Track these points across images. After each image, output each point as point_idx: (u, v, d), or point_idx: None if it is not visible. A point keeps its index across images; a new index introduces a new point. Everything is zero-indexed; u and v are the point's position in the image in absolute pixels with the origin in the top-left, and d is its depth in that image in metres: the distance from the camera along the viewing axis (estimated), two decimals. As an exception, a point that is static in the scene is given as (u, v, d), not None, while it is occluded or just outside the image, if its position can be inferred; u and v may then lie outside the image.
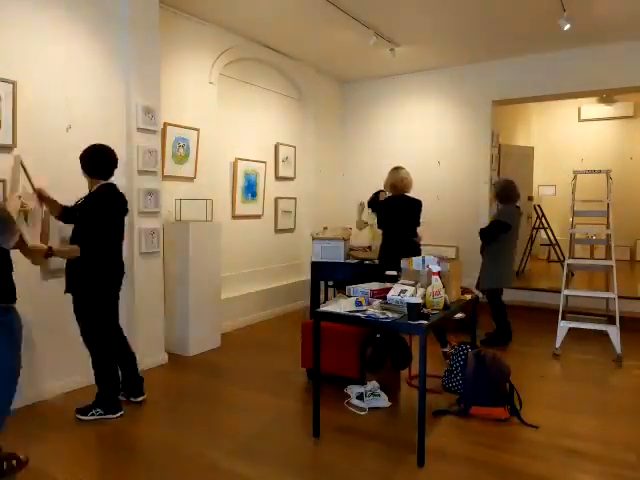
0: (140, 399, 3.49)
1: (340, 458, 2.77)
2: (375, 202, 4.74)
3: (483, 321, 4.74)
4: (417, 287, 2.99)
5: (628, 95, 8.81)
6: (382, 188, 4.71)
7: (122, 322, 4.01)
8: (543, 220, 8.32)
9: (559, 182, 9.12)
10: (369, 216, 5.12)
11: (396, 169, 4.61)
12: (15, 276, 2.60)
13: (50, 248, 3.01)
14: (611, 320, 4.64)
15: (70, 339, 3.42)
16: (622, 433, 3.08)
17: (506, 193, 4.92)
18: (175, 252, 4.57)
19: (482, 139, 6.61)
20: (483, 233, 4.90)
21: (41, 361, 3.51)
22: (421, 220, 4.58)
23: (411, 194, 4.60)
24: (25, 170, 3.21)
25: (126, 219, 4.08)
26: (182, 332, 4.58)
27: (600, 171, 5.08)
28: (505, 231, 4.77)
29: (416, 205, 4.54)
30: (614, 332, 4.48)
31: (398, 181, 4.53)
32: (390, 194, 4.61)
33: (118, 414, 3.28)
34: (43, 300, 3.50)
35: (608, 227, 4.95)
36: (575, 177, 5.11)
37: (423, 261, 3.16)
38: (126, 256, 4.09)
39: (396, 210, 4.53)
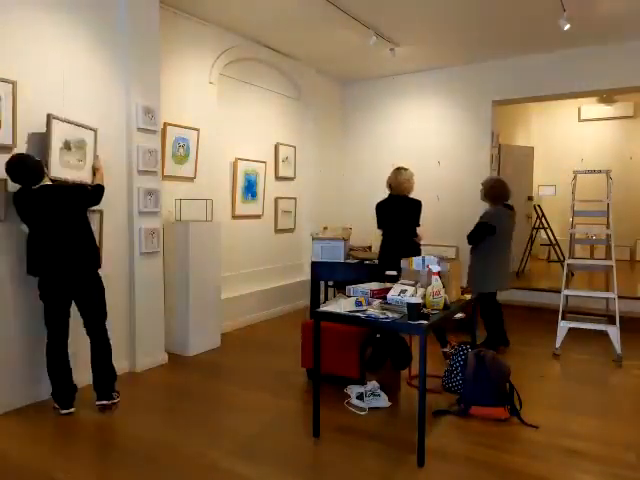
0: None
1: (340, 458, 2.77)
2: None
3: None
4: (417, 287, 2.99)
5: (628, 95, 8.81)
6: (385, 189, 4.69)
7: (122, 322, 4.01)
8: (543, 220, 8.31)
9: (559, 182, 9.10)
10: None
11: (399, 170, 4.59)
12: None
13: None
14: (611, 320, 4.64)
15: (71, 340, 3.42)
16: (622, 433, 3.08)
17: (494, 193, 4.70)
18: (175, 252, 4.57)
19: (482, 139, 6.61)
20: (469, 236, 4.67)
21: (41, 361, 3.51)
22: (420, 222, 4.57)
23: (411, 194, 4.60)
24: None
25: (126, 219, 4.11)
26: (182, 332, 4.58)
27: (600, 171, 5.07)
28: (490, 233, 4.53)
29: (416, 205, 4.54)
30: (614, 332, 4.48)
31: (400, 183, 4.52)
32: (390, 193, 4.62)
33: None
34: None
35: (608, 227, 4.95)
36: (575, 177, 5.10)
37: (423, 261, 3.16)
38: (126, 256, 4.11)
39: (396, 210, 4.53)
